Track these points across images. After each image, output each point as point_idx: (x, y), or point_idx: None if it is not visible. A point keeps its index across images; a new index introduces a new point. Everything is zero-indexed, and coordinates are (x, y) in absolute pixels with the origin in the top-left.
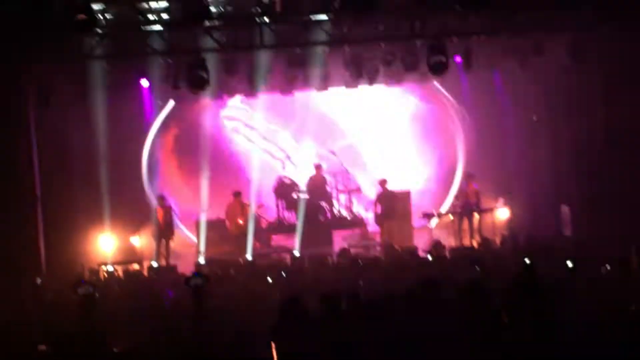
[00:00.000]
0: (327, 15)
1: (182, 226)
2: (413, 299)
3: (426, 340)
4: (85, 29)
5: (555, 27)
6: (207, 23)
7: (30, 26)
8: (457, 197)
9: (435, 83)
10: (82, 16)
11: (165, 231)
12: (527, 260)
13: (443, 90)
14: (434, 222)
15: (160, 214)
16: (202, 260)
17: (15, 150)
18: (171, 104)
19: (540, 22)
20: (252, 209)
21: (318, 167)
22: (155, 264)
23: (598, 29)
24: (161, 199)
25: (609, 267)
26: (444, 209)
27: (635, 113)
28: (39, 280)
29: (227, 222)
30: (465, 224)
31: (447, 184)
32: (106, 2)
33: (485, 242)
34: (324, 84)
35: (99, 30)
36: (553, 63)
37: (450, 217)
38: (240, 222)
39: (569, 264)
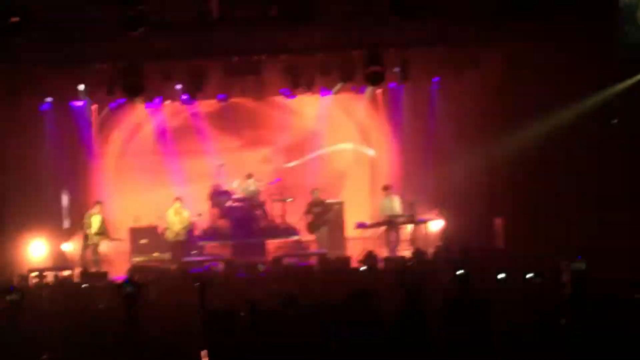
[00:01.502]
0: (264, 23)
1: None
2: (346, 309)
3: (358, 351)
4: (19, 31)
5: (491, 39)
6: (142, 29)
7: None
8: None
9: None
10: (15, 18)
11: (97, 237)
12: (460, 272)
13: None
14: (367, 232)
15: (93, 219)
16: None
17: None
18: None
19: (477, 34)
20: (190, 216)
21: (251, 175)
22: (86, 270)
23: (533, 40)
24: (97, 204)
25: (539, 280)
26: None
27: (567, 126)
28: None
29: (164, 228)
30: (393, 234)
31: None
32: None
33: (418, 252)
34: (260, 92)
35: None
36: (489, 75)
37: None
38: (178, 229)
39: (501, 275)
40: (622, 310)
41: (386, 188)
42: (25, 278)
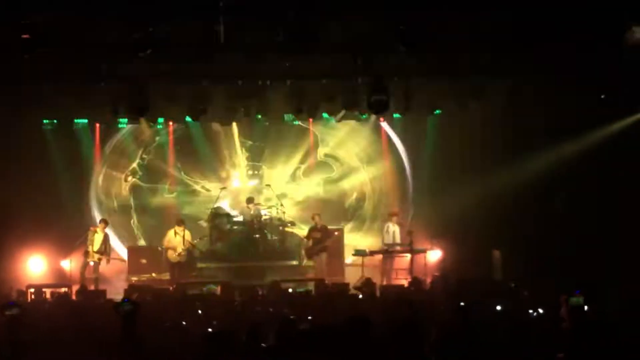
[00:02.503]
0: (270, 48)
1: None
2: (342, 335)
3: None
4: (28, 49)
5: (495, 71)
6: (149, 51)
7: None
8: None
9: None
10: (25, 36)
11: (97, 255)
12: (461, 303)
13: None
14: (364, 259)
15: (96, 237)
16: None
17: None
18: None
19: (482, 66)
20: (191, 238)
21: (251, 200)
22: (84, 288)
23: (536, 75)
24: (103, 222)
25: (537, 313)
26: (375, 247)
27: (568, 159)
28: None
29: (166, 249)
30: (391, 263)
31: (380, 222)
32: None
33: (415, 281)
34: (265, 116)
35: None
36: (490, 108)
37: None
38: (181, 250)
39: (498, 307)
40: (622, 343)
41: (392, 215)
42: (23, 294)
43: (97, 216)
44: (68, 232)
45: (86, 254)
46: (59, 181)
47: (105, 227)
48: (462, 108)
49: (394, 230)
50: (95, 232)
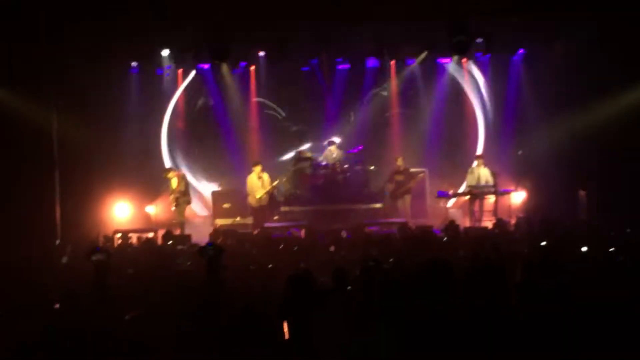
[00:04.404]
0: None
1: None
2: (424, 277)
3: (435, 319)
4: None
5: (579, 9)
6: None
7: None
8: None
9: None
10: None
11: (180, 200)
12: (542, 243)
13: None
14: (449, 201)
15: (176, 182)
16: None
17: (33, 115)
18: (192, 73)
19: (563, 4)
20: (272, 182)
21: (333, 143)
22: (169, 232)
23: (623, 12)
24: (169, 170)
25: (624, 253)
26: (460, 189)
27: None
28: (57, 242)
29: (248, 194)
30: (477, 204)
31: (464, 164)
32: None
33: (500, 223)
34: (345, 58)
35: None
36: (575, 46)
37: (466, 197)
38: (261, 194)
39: (584, 248)
40: None
41: (478, 158)
42: (110, 239)
43: (181, 161)
44: (153, 177)
45: (172, 199)
46: (144, 126)
47: (175, 174)
48: (544, 48)
49: (479, 172)
50: (171, 178)
